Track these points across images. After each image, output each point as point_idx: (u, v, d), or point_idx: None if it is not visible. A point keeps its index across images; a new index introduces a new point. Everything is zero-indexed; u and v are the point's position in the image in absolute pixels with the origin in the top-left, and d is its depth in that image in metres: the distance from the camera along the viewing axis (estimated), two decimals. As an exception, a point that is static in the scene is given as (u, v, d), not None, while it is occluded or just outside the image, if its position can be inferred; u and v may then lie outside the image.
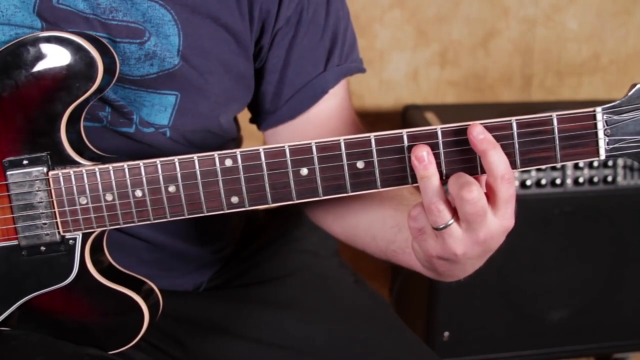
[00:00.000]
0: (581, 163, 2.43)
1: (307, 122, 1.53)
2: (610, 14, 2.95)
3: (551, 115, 1.14)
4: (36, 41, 1.21)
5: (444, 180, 1.16)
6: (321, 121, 1.54)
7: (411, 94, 2.92)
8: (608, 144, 1.15)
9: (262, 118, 1.56)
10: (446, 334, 2.58)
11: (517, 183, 2.42)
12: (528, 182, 2.42)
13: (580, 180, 2.46)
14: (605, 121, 1.14)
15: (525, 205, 2.44)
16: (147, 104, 1.38)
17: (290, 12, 1.43)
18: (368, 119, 2.86)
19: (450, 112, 2.75)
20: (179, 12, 1.33)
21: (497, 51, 2.92)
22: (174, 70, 1.35)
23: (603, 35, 2.98)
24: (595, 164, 2.45)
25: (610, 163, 2.47)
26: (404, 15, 2.81)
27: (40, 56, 1.21)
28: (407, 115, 2.75)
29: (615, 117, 1.14)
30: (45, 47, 1.21)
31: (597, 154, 1.16)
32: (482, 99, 2.98)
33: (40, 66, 1.21)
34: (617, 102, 1.14)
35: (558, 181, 2.44)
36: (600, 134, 1.15)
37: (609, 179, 2.48)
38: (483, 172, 1.15)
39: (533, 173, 2.42)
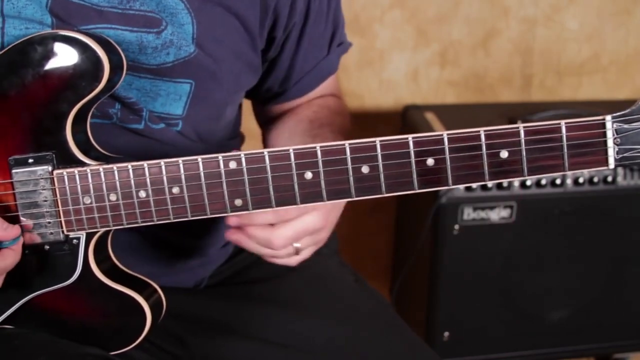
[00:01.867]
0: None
1: (305, 98, 1.62)
2: (610, 14, 2.95)
3: (560, 123, 1.13)
4: (43, 40, 1.21)
5: (450, 186, 1.16)
6: (316, 94, 1.62)
7: (411, 94, 2.93)
8: (617, 153, 1.13)
9: (267, 98, 1.63)
10: (446, 334, 2.59)
11: (517, 183, 2.43)
12: (528, 182, 2.43)
13: (580, 180, 2.46)
14: (615, 130, 1.12)
15: (525, 205, 2.45)
16: (163, 93, 1.38)
17: (302, 5, 1.46)
18: (368, 119, 2.87)
19: (451, 112, 2.75)
20: (191, 0, 1.34)
21: (497, 51, 2.92)
22: (190, 58, 1.36)
23: (603, 35, 2.98)
24: (596, 165, 2.46)
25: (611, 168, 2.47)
26: (404, 15, 2.82)
27: (47, 55, 1.21)
28: (407, 116, 2.75)
29: (625, 126, 1.12)
30: (52, 46, 1.21)
31: (606, 162, 1.14)
32: (482, 99, 2.99)
33: (46, 65, 1.21)
34: (627, 110, 1.12)
35: (558, 181, 2.45)
36: (610, 142, 1.13)
37: (609, 179, 2.48)
38: (490, 179, 1.15)
39: (533, 173, 2.43)
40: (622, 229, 2.57)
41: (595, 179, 2.47)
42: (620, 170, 2.48)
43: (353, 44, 1.67)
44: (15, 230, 1.23)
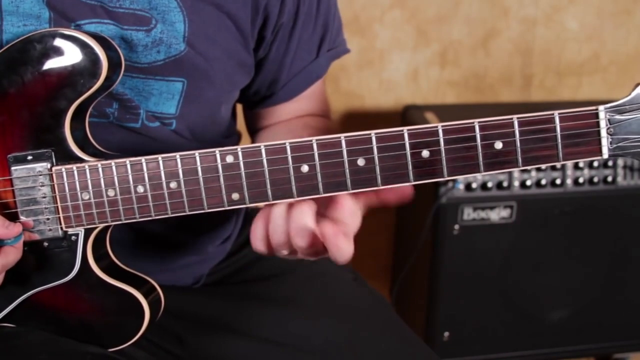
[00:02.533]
0: (581, 163, 2.43)
1: (293, 103, 1.61)
2: (610, 14, 2.95)
3: (553, 114, 1.14)
4: (42, 38, 1.22)
5: (446, 179, 1.17)
6: (302, 102, 1.62)
7: (411, 94, 2.93)
8: (611, 143, 1.14)
9: (255, 101, 1.62)
10: (446, 334, 2.59)
11: (517, 183, 2.43)
12: (528, 182, 2.43)
13: (580, 180, 2.46)
14: (608, 120, 1.13)
15: (525, 205, 2.45)
16: (155, 92, 1.39)
17: (290, 5, 1.46)
18: (368, 119, 2.87)
19: (451, 112, 2.76)
20: None
21: (497, 51, 2.93)
22: (181, 56, 1.36)
23: (603, 35, 2.98)
24: (595, 164, 2.46)
25: (610, 163, 2.48)
26: (404, 15, 2.82)
27: (46, 53, 1.22)
28: (407, 116, 2.76)
29: (618, 117, 1.13)
30: (51, 44, 1.22)
31: (599, 152, 1.15)
32: (482, 99, 2.99)
33: (45, 63, 1.22)
34: (620, 101, 1.13)
35: (558, 181, 2.45)
36: (603, 132, 1.14)
37: (609, 179, 2.49)
38: (485, 170, 1.16)
39: (533, 173, 2.43)
40: (622, 229, 2.58)
41: (595, 179, 2.48)
42: (620, 170, 2.49)
43: (353, 44, 1.67)
44: (17, 228, 1.23)
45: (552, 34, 2.95)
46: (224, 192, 1.20)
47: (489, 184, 2.41)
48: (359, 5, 2.77)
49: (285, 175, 1.18)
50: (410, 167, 1.16)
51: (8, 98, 1.23)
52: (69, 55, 1.21)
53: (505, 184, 2.42)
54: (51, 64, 1.22)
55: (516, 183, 2.43)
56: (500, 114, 1.16)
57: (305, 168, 1.17)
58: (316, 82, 1.61)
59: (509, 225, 2.48)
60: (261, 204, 1.23)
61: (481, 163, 1.16)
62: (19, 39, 1.23)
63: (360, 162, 1.17)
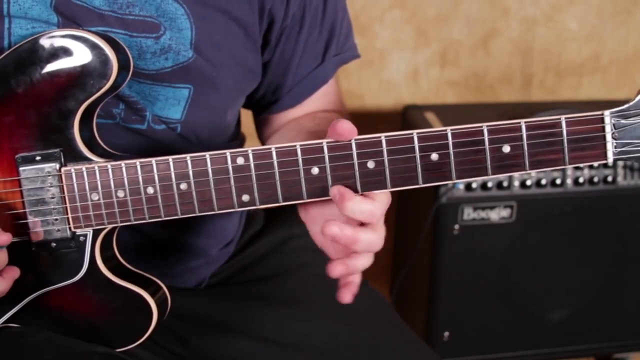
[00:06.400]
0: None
1: (300, 108, 1.60)
2: (610, 14, 2.96)
3: (560, 118, 1.15)
4: (52, 38, 1.22)
5: (454, 180, 1.17)
6: (311, 104, 1.61)
7: (411, 94, 2.93)
8: (616, 147, 1.15)
9: (262, 106, 1.63)
10: (446, 334, 2.59)
11: (517, 183, 2.43)
12: (528, 182, 2.43)
13: (580, 180, 2.46)
14: (613, 124, 1.15)
15: (525, 205, 2.45)
16: (162, 97, 1.39)
17: (296, 9, 1.46)
18: (368, 119, 2.87)
19: (451, 112, 2.76)
20: (191, 6, 1.35)
21: (497, 51, 2.93)
22: (188, 63, 1.37)
23: (603, 35, 2.99)
24: (596, 164, 2.46)
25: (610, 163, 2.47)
26: (404, 15, 2.82)
27: (55, 53, 1.22)
28: (407, 116, 2.76)
29: (623, 121, 1.15)
30: (60, 45, 1.22)
31: (605, 156, 1.16)
32: (482, 99, 2.99)
33: (55, 63, 1.22)
34: (626, 106, 1.15)
35: (558, 181, 2.45)
36: (608, 137, 1.15)
37: (609, 179, 2.49)
38: (493, 173, 1.17)
39: (533, 173, 2.43)
40: (622, 229, 2.58)
41: (595, 179, 2.47)
42: (620, 170, 2.49)
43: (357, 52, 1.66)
44: (6, 237, 1.23)
45: (552, 34, 2.95)
46: (234, 193, 1.21)
47: (489, 184, 2.41)
48: (359, 5, 2.77)
49: (296, 177, 1.19)
50: (419, 169, 1.17)
51: (16, 98, 1.24)
52: (79, 56, 1.22)
53: (505, 184, 2.42)
54: (61, 64, 1.22)
55: (516, 183, 2.43)
56: (500, 114, 1.16)
57: (315, 170, 1.18)
58: (324, 90, 1.61)
59: (509, 225, 2.47)
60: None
61: (489, 166, 1.17)
62: (27, 40, 1.23)
63: (370, 164, 1.17)
